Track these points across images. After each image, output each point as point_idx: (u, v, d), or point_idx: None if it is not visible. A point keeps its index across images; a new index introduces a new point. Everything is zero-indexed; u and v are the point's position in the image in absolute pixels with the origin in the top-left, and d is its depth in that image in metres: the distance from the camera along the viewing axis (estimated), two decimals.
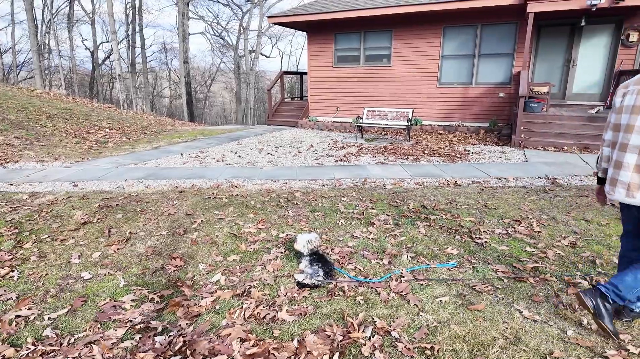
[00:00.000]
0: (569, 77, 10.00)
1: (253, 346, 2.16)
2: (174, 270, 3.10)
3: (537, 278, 2.92)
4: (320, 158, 7.55)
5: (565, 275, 2.97)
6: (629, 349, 2.11)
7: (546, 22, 9.82)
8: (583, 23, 9.18)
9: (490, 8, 9.58)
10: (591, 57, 9.75)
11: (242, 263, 3.22)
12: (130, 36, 28.53)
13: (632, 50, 9.16)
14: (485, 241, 3.59)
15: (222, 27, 30.14)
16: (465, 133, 10.36)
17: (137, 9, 27.72)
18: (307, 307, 2.55)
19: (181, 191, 5.27)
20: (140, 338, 2.24)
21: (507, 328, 2.32)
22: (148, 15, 48.99)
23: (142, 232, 3.88)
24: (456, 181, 5.76)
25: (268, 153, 8.12)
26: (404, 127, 9.44)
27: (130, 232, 3.86)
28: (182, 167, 6.90)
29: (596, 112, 8.80)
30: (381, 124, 9.71)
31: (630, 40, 9.11)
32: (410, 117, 9.47)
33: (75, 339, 2.24)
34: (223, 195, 5.08)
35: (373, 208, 4.51)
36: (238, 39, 29.16)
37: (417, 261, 3.23)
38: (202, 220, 4.16)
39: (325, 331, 2.29)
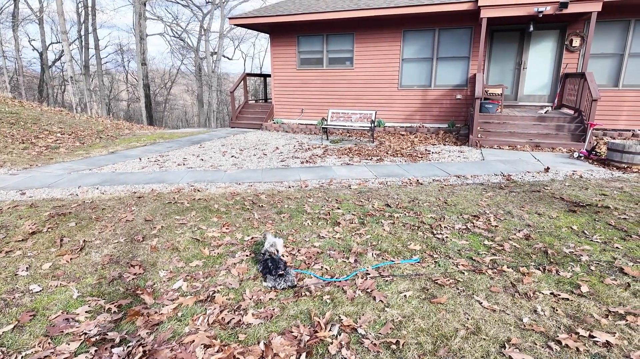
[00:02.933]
0: (520, 79, 10.57)
1: (218, 351, 2.10)
2: (133, 278, 2.96)
3: (495, 270, 3.05)
4: (286, 160, 7.51)
5: (521, 266, 3.12)
6: (578, 333, 2.24)
7: (498, 27, 10.34)
8: (531, 28, 9.74)
9: (446, 13, 9.95)
10: (540, 60, 10.36)
11: (206, 268, 3.13)
12: (83, 37, 27.17)
13: (575, 54, 9.82)
14: (446, 237, 3.71)
15: (182, 28, 29.37)
16: (426, 134, 10.68)
17: (89, 8, 26.45)
18: (273, 309, 2.52)
19: (140, 197, 5.06)
20: (96, 350, 2.12)
21: (468, 319, 2.40)
22: (102, 15, 46.85)
23: (98, 240, 3.68)
24: (418, 180, 5.91)
25: (232, 156, 7.98)
26: (368, 128, 9.59)
27: (84, 241, 3.65)
28: (141, 171, 6.63)
29: (545, 112, 9.36)
30: (346, 126, 9.82)
31: (573, 45, 9.77)
32: (373, 118, 9.64)
33: (22, 357, 2.08)
34: (185, 199, 4.93)
35: (339, 208, 4.54)
36: (199, 41, 28.53)
37: (382, 258, 3.28)
38: (162, 226, 4.01)
39: (292, 332, 2.27)
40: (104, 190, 5.44)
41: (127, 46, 35.08)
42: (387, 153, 8.17)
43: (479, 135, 8.91)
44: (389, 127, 11.35)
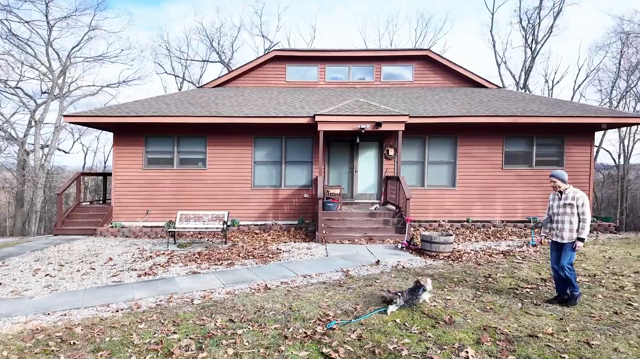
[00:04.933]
0: (354, 180, 12.28)
1: None
2: None
3: None
4: (119, 275, 6.63)
5: None
6: None
7: (334, 138, 12.12)
8: (358, 140, 11.74)
9: (290, 124, 11.25)
10: (367, 165, 12.34)
11: None
12: None
13: (391, 161, 12.07)
14: (287, 352, 3.67)
15: (3, 117, 25.34)
16: (279, 231, 11.08)
17: None
18: None
19: None
20: None
21: None
22: None
23: None
24: (267, 285, 5.91)
25: (47, 275, 6.64)
26: (221, 229, 9.44)
27: None
28: None
29: (375, 209, 10.89)
30: (197, 227, 9.46)
31: (389, 154, 12.05)
32: (226, 219, 9.60)
33: None
34: None
35: (175, 332, 4.11)
36: (27, 133, 24.93)
37: None
38: None
39: None
40: None
41: None
42: (239, 256, 8.05)
43: (324, 232, 9.69)
44: (244, 225, 11.42)
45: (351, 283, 5.95)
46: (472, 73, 14.40)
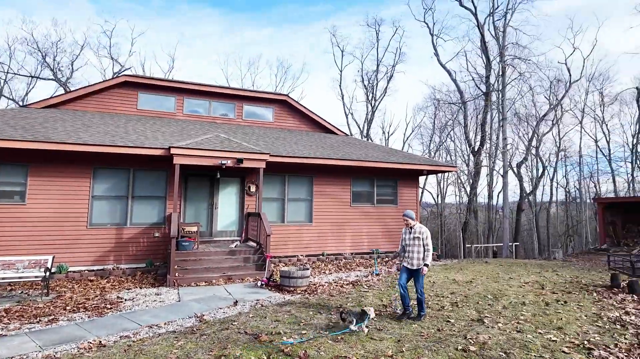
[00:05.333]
0: (214, 217, 11.80)
1: None
2: None
3: None
4: None
5: None
6: None
7: (193, 172, 11.54)
8: (219, 176, 11.45)
9: (141, 156, 10.27)
10: (228, 201, 12.07)
11: None
12: None
13: (253, 197, 12.11)
14: None
15: None
16: (121, 277, 9.68)
17: None
18: None
19: None
20: None
21: None
22: None
23: None
24: (101, 342, 5.02)
25: None
26: (41, 277, 7.71)
27: None
28: None
29: (235, 246, 10.62)
30: (5, 278, 7.53)
31: (251, 190, 12.08)
32: (49, 264, 7.93)
33: None
34: None
35: None
36: None
37: None
38: None
39: None
40: None
41: None
42: (65, 309, 6.67)
43: (177, 274, 8.90)
44: (74, 272, 9.61)
45: (205, 329, 5.55)
46: (325, 120, 15.94)
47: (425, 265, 5.91)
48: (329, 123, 16.09)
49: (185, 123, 13.14)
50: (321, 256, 12.34)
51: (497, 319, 5.94)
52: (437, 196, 39.76)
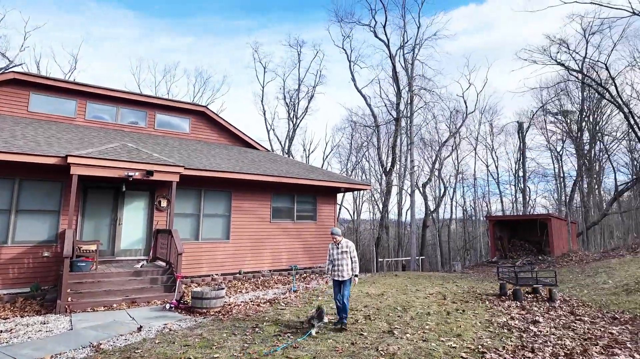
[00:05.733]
0: (116, 234, 10.72)
1: None
2: None
3: None
4: None
5: None
6: None
7: (93, 184, 10.40)
8: (124, 189, 10.50)
9: (30, 164, 8.98)
10: (134, 217, 11.09)
11: None
12: None
13: (164, 213, 11.31)
14: None
15: None
16: None
17: None
18: None
19: None
20: None
21: None
22: None
23: None
24: None
25: None
26: None
27: None
28: None
29: (141, 266, 9.74)
30: None
31: (162, 205, 11.28)
32: None
33: None
34: None
35: None
36: None
37: None
38: None
39: None
40: None
41: None
42: None
43: (70, 299, 7.84)
44: None
45: None
46: (246, 135, 15.74)
47: (355, 275, 6.47)
48: (250, 138, 15.91)
49: (87, 130, 11.88)
50: (238, 275, 11.93)
51: (406, 329, 6.30)
52: (354, 213, 41.46)
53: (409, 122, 28.12)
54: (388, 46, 28.95)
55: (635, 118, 27.34)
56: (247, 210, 12.66)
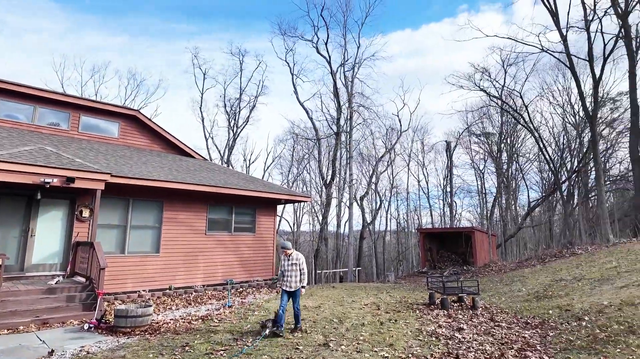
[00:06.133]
0: (27, 247, 9.59)
1: None
2: None
3: None
4: None
5: None
6: None
7: (1, 191, 9.23)
8: (40, 196, 9.45)
9: None
10: (51, 228, 10.01)
11: None
12: None
13: (86, 224, 10.36)
14: None
15: None
16: None
17: None
18: None
19: None
20: None
21: None
22: None
23: None
24: None
25: None
26: None
27: None
28: None
29: (56, 283, 8.79)
30: None
31: (83, 215, 10.32)
32: None
33: None
34: None
35: None
36: None
37: None
38: None
39: None
40: None
41: None
42: None
43: None
44: None
45: None
46: (182, 142, 15.09)
47: (303, 286, 6.95)
48: (186, 146, 15.27)
49: None
50: (168, 291, 11.23)
51: (341, 341, 6.36)
52: (294, 225, 41.38)
53: (348, 136, 28.98)
54: (329, 63, 29.79)
55: (544, 142, 30.87)
56: (180, 221, 12.05)
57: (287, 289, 6.85)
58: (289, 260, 6.91)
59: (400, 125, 34.82)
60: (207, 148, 35.99)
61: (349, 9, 35.05)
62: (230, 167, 34.09)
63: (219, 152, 36.20)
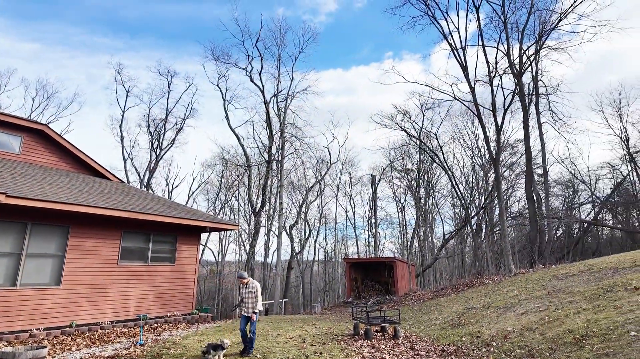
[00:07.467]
0: None
1: None
2: None
3: None
4: None
5: None
6: None
7: None
8: None
9: None
10: None
11: None
12: None
13: None
14: None
15: None
16: None
17: None
18: None
19: None
20: None
21: None
22: None
23: None
24: None
25: None
26: None
27: None
28: None
29: None
30: None
31: None
32: None
33: None
34: None
35: None
36: None
37: None
38: None
39: None
40: None
41: None
42: None
43: None
44: None
45: None
46: (95, 161, 13.87)
47: (254, 312, 7.45)
48: (101, 166, 14.03)
49: None
50: (68, 328, 9.85)
51: None
52: (218, 254, 39.50)
53: (279, 165, 29.05)
54: (263, 92, 30.07)
55: (456, 180, 34.00)
56: (88, 249, 10.83)
57: (246, 314, 7.50)
58: (246, 288, 7.49)
59: (330, 157, 35.94)
60: (126, 170, 33.41)
61: (284, 43, 36.04)
62: (150, 191, 31.92)
63: (139, 174, 33.80)
